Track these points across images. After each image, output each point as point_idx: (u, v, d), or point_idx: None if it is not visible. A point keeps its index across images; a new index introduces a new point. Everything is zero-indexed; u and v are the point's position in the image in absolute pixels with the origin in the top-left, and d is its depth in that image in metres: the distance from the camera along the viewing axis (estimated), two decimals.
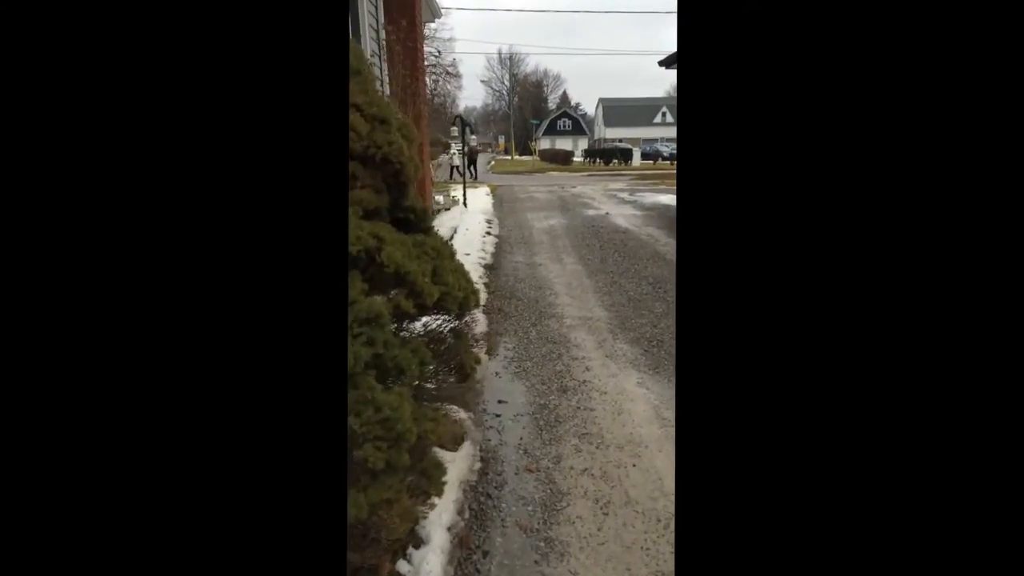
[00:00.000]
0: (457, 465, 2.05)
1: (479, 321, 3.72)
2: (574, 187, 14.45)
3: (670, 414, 2.48)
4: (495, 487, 1.99)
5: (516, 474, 2.07)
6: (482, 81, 51.42)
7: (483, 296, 4.36)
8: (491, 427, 2.41)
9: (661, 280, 4.76)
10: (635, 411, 2.54)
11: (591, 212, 9.27)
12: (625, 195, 12.06)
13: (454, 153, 14.59)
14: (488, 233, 6.93)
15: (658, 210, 9.35)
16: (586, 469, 2.09)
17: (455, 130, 9.65)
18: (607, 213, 9.06)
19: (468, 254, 5.57)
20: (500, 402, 2.65)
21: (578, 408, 2.58)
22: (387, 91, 5.15)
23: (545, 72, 54.77)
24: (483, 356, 3.09)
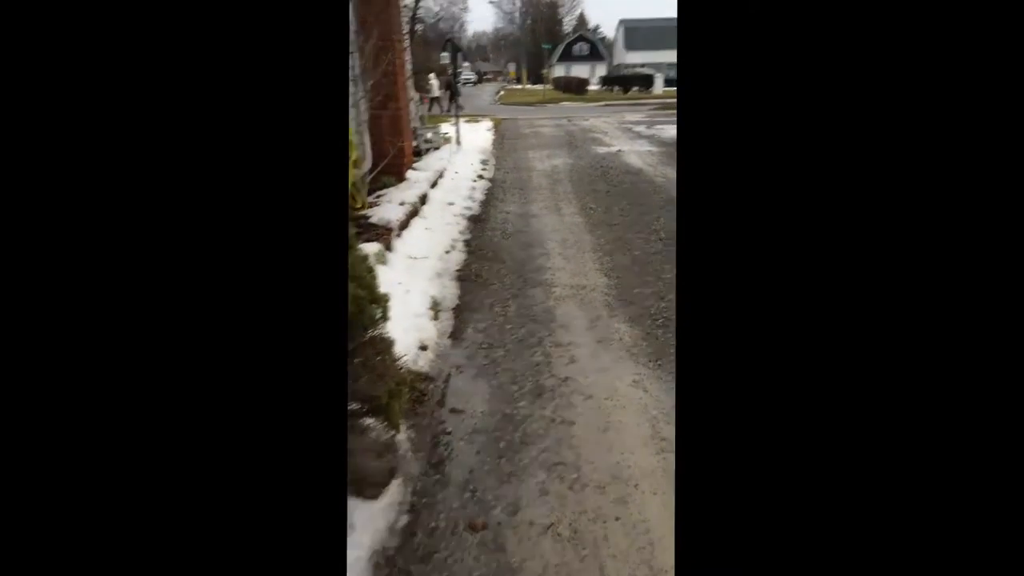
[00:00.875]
0: (373, 523, 1.51)
1: (447, 298, 3.11)
2: (586, 120, 13.27)
3: (671, 431, 1.89)
4: (420, 559, 1.45)
5: (453, 534, 1.52)
6: (490, 2, 47.94)
7: (461, 257, 3.73)
8: (434, 453, 1.86)
9: (674, 235, 4.05)
10: (626, 427, 1.96)
11: (601, 150, 8.35)
12: (642, 128, 10.98)
13: (433, 84, 13.40)
14: (480, 177, 6.17)
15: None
16: (551, 525, 1.54)
17: (445, 56, 8.61)
18: (619, 151, 8.14)
19: (452, 203, 4.88)
20: (453, 411, 2.08)
21: (552, 421, 2.00)
22: (351, 19, 4.28)
23: None
24: (442, 341, 2.50)
